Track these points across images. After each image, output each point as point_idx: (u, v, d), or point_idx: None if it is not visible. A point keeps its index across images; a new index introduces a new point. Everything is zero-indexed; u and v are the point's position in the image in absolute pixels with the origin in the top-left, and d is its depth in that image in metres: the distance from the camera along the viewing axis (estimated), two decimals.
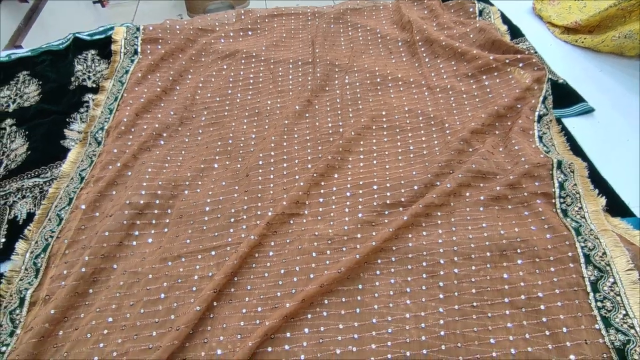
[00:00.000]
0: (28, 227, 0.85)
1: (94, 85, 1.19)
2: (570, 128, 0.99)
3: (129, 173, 0.93)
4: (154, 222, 0.85)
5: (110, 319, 0.71)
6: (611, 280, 0.69)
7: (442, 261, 0.74)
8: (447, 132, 0.96)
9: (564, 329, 0.65)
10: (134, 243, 0.82)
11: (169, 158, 0.97)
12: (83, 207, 0.85)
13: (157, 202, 0.86)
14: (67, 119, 1.10)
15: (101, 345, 0.68)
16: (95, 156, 0.98)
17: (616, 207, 0.82)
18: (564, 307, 0.68)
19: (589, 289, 0.69)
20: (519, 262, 0.73)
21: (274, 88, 1.13)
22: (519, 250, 0.74)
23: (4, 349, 0.69)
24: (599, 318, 0.66)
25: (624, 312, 0.66)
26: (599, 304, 0.68)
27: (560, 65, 1.17)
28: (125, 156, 0.94)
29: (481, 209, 0.81)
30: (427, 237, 0.78)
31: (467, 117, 0.99)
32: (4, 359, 0.68)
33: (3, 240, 0.84)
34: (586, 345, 0.64)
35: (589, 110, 1.04)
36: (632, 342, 0.63)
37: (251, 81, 1.16)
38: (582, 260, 0.72)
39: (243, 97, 1.12)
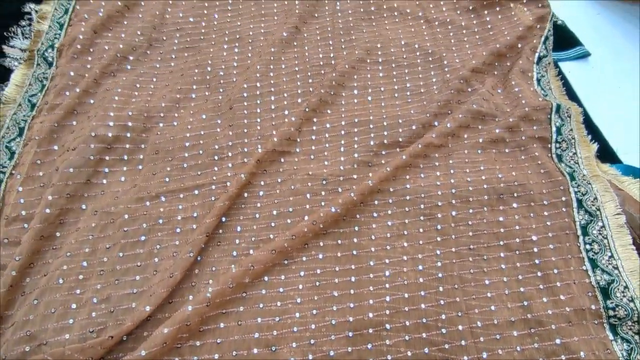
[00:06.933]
0: None
1: None
2: (565, 72, 0.96)
3: (92, 101, 0.80)
4: (125, 157, 0.75)
5: (84, 263, 0.64)
6: (600, 224, 0.71)
7: (439, 204, 0.72)
8: (446, 69, 0.90)
9: (555, 270, 0.67)
10: (104, 181, 0.72)
11: (138, 85, 0.84)
12: (37, 138, 0.73)
13: (129, 135, 0.76)
14: (4, 34, 0.91)
15: (77, 291, 0.62)
16: (47, 79, 0.84)
17: (605, 153, 0.83)
18: (556, 249, 0.69)
19: (579, 232, 0.71)
20: (515, 205, 0.73)
21: (257, 10, 1.00)
22: (515, 194, 0.74)
23: None
24: (586, 260, 0.68)
25: (609, 254, 0.68)
26: (588, 246, 0.70)
27: (556, 5, 1.11)
28: (85, 81, 0.81)
29: (479, 151, 0.79)
30: (425, 179, 0.75)
31: (467, 55, 0.93)
32: None
33: None
34: (574, 285, 0.66)
35: (586, 55, 1.01)
36: (616, 281, 0.66)
37: (230, 0, 1.01)
38: (575, 204, 0.73)
39: (221, 18, 0.98)
